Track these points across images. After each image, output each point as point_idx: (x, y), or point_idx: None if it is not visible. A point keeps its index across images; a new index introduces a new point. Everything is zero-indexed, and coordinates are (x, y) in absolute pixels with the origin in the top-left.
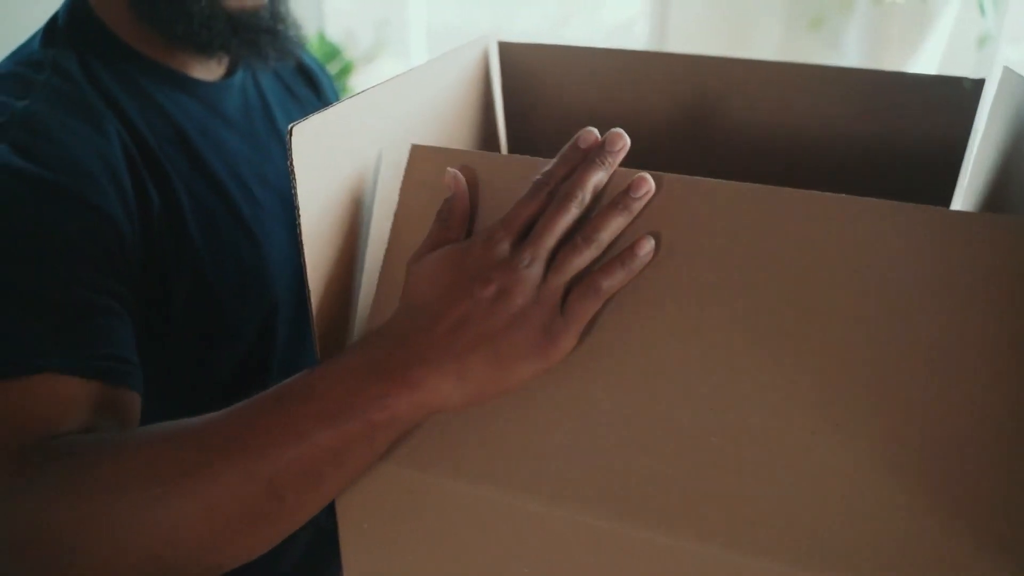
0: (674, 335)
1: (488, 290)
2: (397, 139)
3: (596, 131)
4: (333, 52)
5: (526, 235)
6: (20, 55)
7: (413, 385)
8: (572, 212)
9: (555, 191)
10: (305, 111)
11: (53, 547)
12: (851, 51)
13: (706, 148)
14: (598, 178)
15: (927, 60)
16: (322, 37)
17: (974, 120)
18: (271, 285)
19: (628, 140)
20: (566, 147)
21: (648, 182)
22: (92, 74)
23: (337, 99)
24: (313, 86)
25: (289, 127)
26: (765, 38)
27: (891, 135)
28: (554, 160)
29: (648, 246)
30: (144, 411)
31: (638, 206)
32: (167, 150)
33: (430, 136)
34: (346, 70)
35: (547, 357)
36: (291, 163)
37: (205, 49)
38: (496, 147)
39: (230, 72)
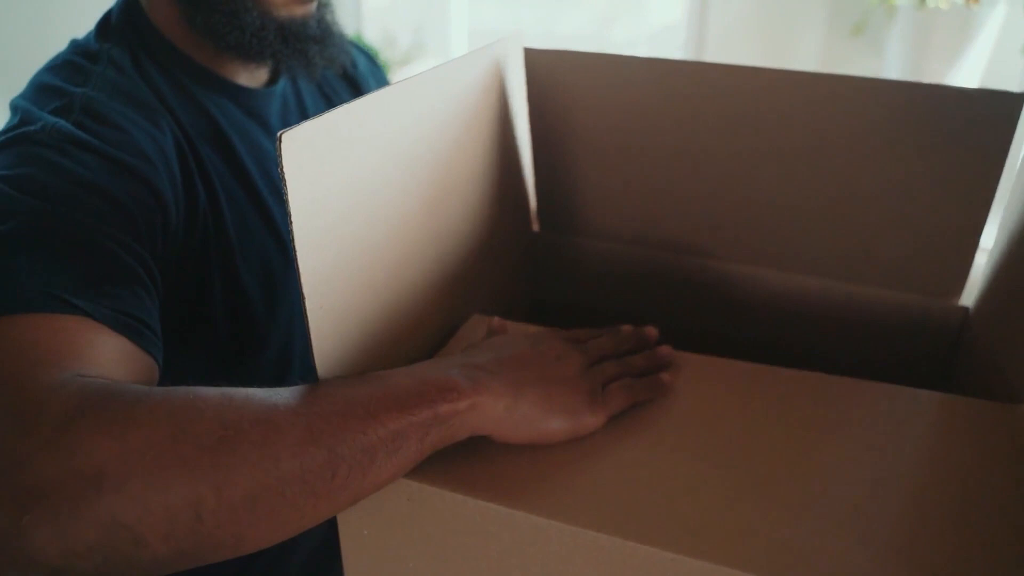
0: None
1: (552, 351)
2: (395, 147)
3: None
4: (370, 53)
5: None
6: (76, 46)
7: (478, 391)
8: (614, 347)
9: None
10: None
11: (95, 479)
12: (893, 58)
13: (738, 163)
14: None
15: (971, 67)
16: (359, 39)
17: (1014, 134)
18: (293, 282)
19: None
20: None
21: (664, 351)
22: (143, 70)
23: None
24: (358, 92)
25: (279, 134)
26: (806, 44)
27: (929, 148)
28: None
29: (666, 378)
30: None
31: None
32: (207, 151)
33: (433, 143)
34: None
35: (581, 421)
36: (282, 171)
37: (256, 58)
38: (516, 157)
39: (273, 79)
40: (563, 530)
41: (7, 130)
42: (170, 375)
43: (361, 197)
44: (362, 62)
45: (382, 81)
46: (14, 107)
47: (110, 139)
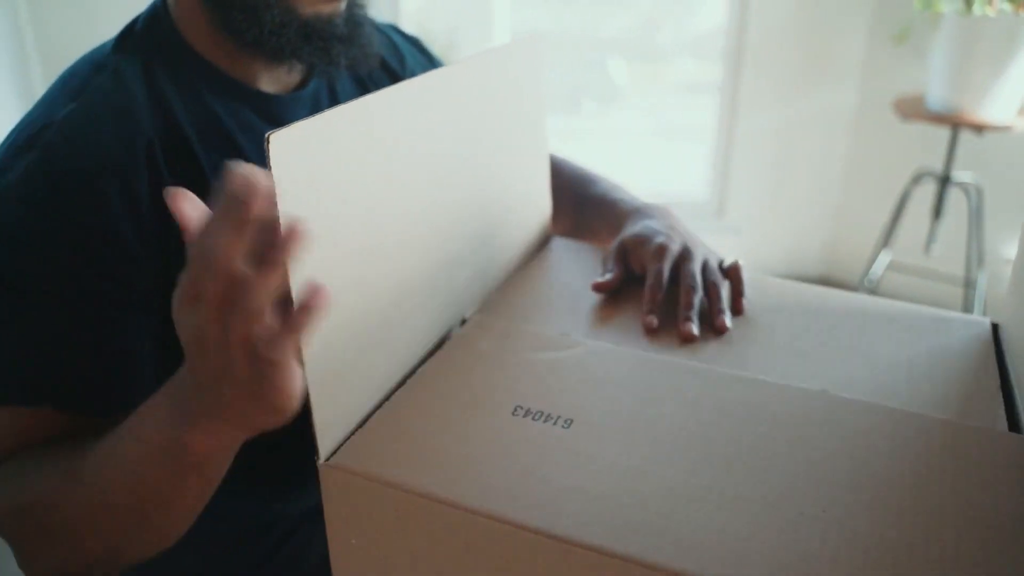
0: None
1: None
2: (392, 150)
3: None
4: None
5: None
6: (94, 54)
7: (204, 435)
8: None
9: None
10: None
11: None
12: (937, 66)
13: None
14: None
15: (1018, 75)
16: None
17: None
18: None
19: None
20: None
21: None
22: (152, 81)
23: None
24: None
25: (267, 134)
26: (848, 52)
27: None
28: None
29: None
30: None
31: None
32: (214, 158)
33: (433, 147)
34: None
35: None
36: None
37: (275, 56)
38: (527, 160)
39: (304, 82)
40: (550, 543)
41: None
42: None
43: (352, 200)
44: (411, 55)
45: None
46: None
47: (65, 174)
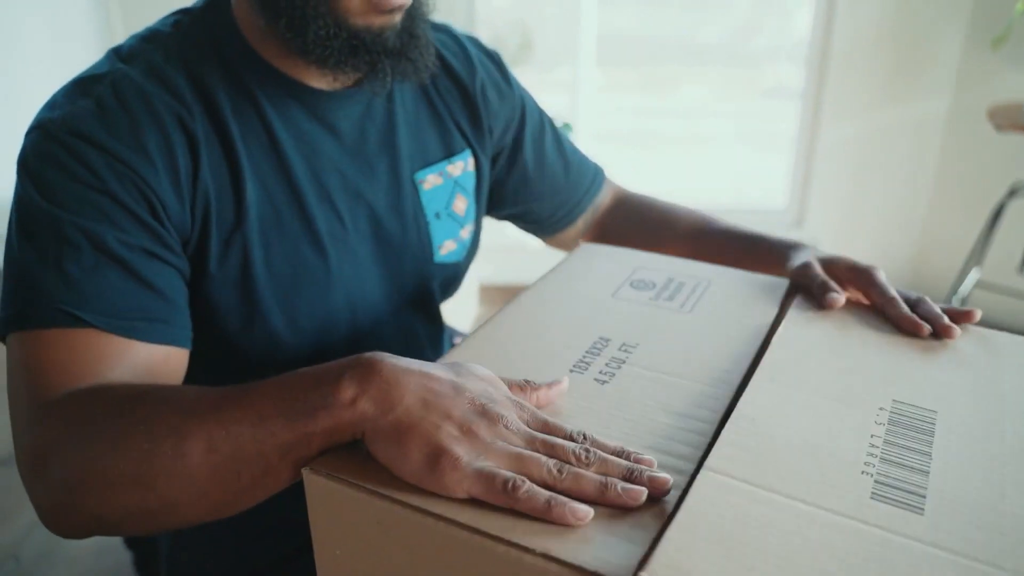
0: None
1: (473, 407)
2: None
3: None
4: None
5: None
6: (150, 29)
7: (359, 398)
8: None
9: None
10: (443, 139)
11: (60, 479)
12: None
13: None
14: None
15: None
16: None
17: None
18: (331, 293)
19: None
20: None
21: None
22: (192, 64)
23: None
24: (471, 105)
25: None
26: (943, 56)
27: None
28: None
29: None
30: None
31: None
32: (253, 147)
33: None
34: None
35: (433, 479)
36: None
37: (320, 65)
38: None
39: (359, 80)
40: (534, 561)
41: (47, 105)
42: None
43: None
44: (484, 68)
45: (505, 95)
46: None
47: (116, 128)
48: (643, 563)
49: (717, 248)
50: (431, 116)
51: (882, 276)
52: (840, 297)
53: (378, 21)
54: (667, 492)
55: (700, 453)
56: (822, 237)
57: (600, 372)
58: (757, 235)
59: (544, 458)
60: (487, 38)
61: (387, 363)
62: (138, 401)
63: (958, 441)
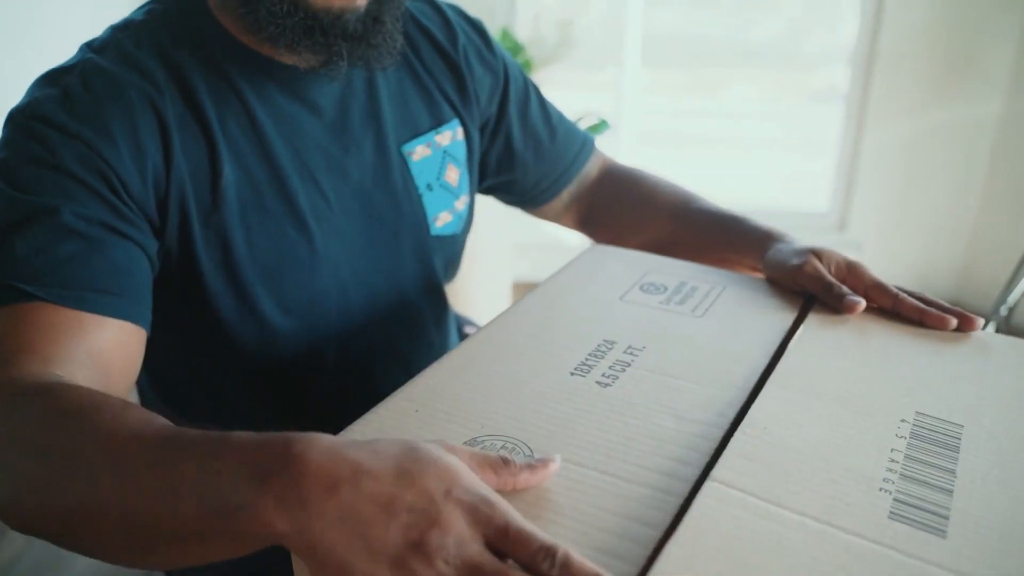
0: None
1: (414, 531)
2: None
3: None
4: (515, 49)
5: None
6: (124, 20)
7: (279, 523)
8: None
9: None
10: (430, 110)
11: (4, 482)
12: None
13: None
14: None
15: None
16: (506, 32)
17: None
18: (317, 273)
19: None
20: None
21: None
22: (169, 47)
23: (495, 85)
24: (457, 75)
25: None
26: (995, 58)
27: None
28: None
29: None
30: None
31: None
32: (231, 129)
33: None
34: (525, 68)
35: None
36: None
37: (272, 43)
38: None
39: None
40: None
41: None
42: (186, 353)
43: None
44: (466, 35)
45: (488, 62)
46: None
47: (82, 112)
48: None
49: (696, 226)
50: (416, 87)
51: (871, 271)
52: (861, 302)
53: (338, 3)
54: None
55: (706, 459)
56: (865, 241)
57: (603, 375)
58: (736, 215)
59: None
60: (526, 35)
61: (312, 470)
62: (67, 422)
63: (986, 458)
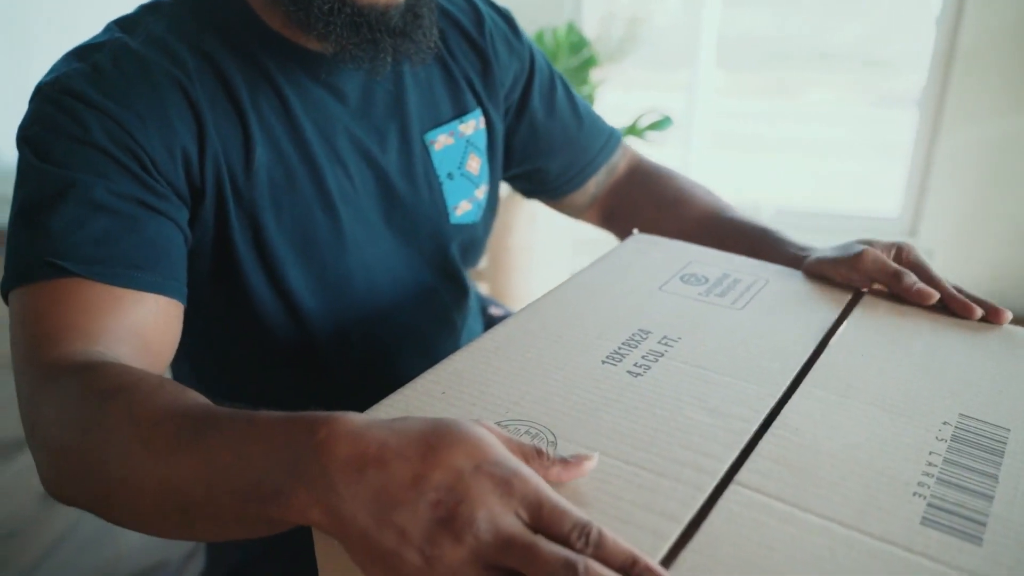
0: None
1: (439, 511)
2: None
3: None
4: (580, 44)
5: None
6: (150, 2)
7: (311, 505)
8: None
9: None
10: (454, 98)
11: (44, 452)
12: None
13: None
14: None
15: None
16: (571, 27)
17: None
18: (344, 254)
19: None
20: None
21: None
22: (200, 30)
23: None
24: (485, 63)
25: None
26: None
27: None
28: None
29: None
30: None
31: None
32: (264, 111)
33: None
34: (590, 63)
35: None
36: None
37: (321, 40)
38: None
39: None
40: None
41: (45, 74)
42: (216, 333)
43: None
44: (492, 21)
45: (514, 48)
46: None
47: (110, 90)
48: None
49: (725, 235)
50: (443, 75)
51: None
52: (934, 292)
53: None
54: None
55: (734, 455)
56: (936, 248)
57: (635, 364)
58: (768, 228)
59: None
60: (592, 31)
61: (339, 455)
62: (104, 402)
63: None
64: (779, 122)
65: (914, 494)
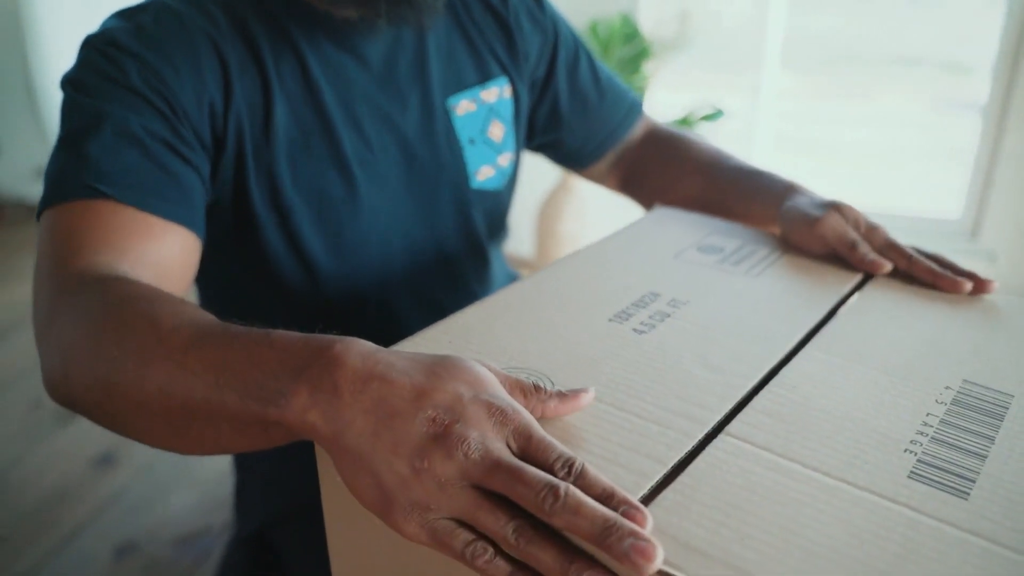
0: None
1: (434, 428)
2: None
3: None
4: (632, 33)
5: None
6: None
7: (309, 409)
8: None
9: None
10: (476, 65)
11: (55, 351)
12: None
13: None
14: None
15: None
16: (626, 18)
17: None
18: (359, 216)
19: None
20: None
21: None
22: (230, 1)
23: (546, 44)
24: (507, 32)
25: None
26: None
27: None
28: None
29: None
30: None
31: None
32: (285, 74)
33: None
34: (643, 54)
35: (389, 516)
36: None
37: (339, 4)
38: None
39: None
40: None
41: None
42: (234, 293)
43: None
44: None
45: (538, 20)
46: None
47: (150, 43)
48: None
49: (722, 181)
50: (464, 43)
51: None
52: (887, 263)
53: None
54: (648, 571)
55: (728, 407)
56: (998, 250)
57: (641, 324)
58: (761, 170)
59: (503, 518)
60: (647, 24)
61: (349, 365)
62: (126, 305)
63: None
64: (844, 125)
65: (905, 450)
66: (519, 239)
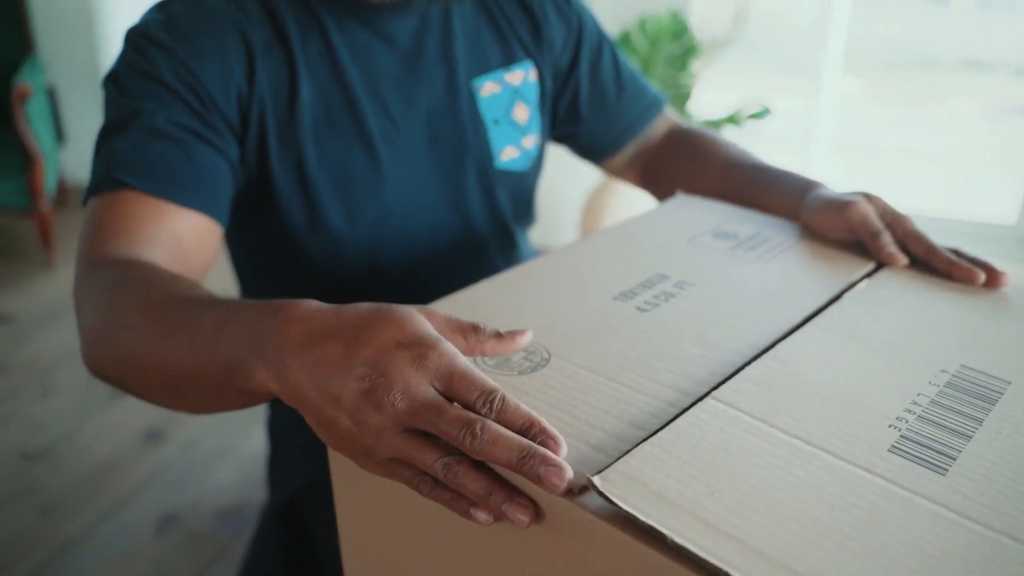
0: None
1: (364, 386)
2: None
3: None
4: (680, 30)
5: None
6: None
7: (266, 375)
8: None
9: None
10: (502, 48)
11: (85, 328)
12: None
13: None
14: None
15: None
16: (675, 15)
17: None
18: (383, 192)
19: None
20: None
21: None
22: None
23: (569, 34)
24: (532, 20)
25: None
26: None
27: None
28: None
29: (481, 518)
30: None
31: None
32: (311, 55)
33: None
34: (691, 52)
35: (349, 452)
36: None
37: None
38: None
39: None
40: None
41: None
42: (257, 266)
43: None
44: None
45: (563, 11)
46: None
47: (180, 34)
48: (602, 469)
49: (740, 176)
50: (490, 26)
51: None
52: (903, 257)
53: None
54: (560, 489)
55: (719, 381)
56: None
57: (645, 303)
58: (784, 169)
59: (432, 456)
60: (698, 22)
61: (291, 332)
62: (133, 284)
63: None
64: (904, 129)
65: (889, 426)
66: (565, 235)
